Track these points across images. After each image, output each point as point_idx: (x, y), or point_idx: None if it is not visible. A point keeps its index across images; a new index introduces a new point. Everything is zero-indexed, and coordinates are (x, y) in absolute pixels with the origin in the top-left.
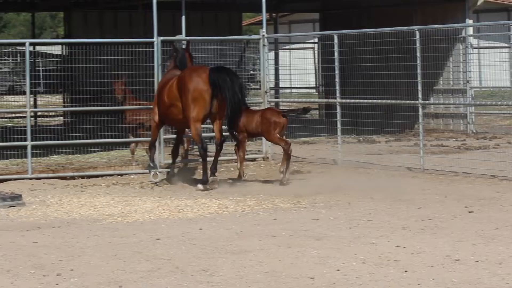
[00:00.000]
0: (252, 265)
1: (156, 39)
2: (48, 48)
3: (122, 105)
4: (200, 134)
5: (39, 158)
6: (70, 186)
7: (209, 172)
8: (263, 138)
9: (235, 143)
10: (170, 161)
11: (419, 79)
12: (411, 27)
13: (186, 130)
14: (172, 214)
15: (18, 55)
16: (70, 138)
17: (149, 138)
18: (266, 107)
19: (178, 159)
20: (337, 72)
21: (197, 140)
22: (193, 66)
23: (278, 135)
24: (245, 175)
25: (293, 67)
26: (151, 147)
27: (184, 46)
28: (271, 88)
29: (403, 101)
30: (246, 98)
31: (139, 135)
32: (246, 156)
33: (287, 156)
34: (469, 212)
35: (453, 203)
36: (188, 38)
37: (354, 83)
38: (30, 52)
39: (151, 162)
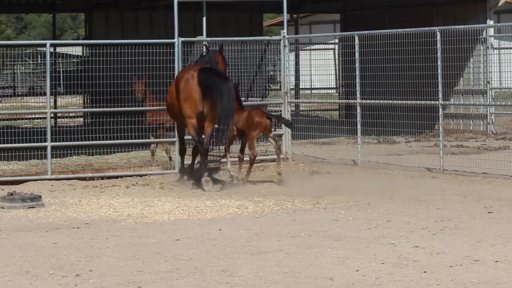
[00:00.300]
0: (271, 265)
1: (177, 40)
2: (68, 49)
3: (142, 105)
4: (195, 129)
5: (58, 159)
6: (90, 187)
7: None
8: (283, 138)
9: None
10: (190, 161)
11: (439, 79)
12: (432, 28)
13: None
14: (191, 214)
15: (39, 56)
16: (89, 139)
17: (170, 139)
18: (286, 107)
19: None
20: (357, 73)
21: (192, 135)
22: (188, 66)
23: (256, 135)
24: (231, 176)
25: (314, 68)
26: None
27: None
28: (291, 89)
29: (423, 102)
30: (240, 98)
31: (160, 135)
32: (266, 157)
33: (251, 162)
34: (489, 212)
35: (473, 204)
36: (209, 39)
37: (374, 83)
38: (51, 53)
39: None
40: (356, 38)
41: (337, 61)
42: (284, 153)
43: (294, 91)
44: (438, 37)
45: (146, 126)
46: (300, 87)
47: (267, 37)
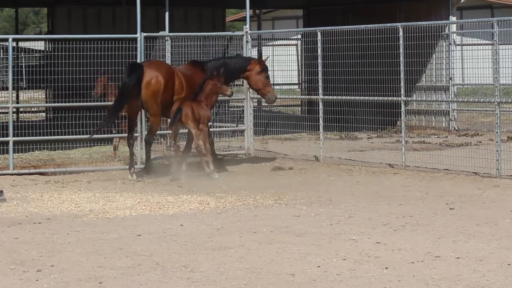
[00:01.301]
0: (233, 261)
1: (140, 35)
2: (31, 44)
3: (105, 101)
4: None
5: (20, 154)
6: (52, 182)
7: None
8: (245, 134)
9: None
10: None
11: (402, 75)
12: (395, 24)
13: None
14: (153, 210)
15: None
16: (52, 134)
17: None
18: (248, 103)
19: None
20: (319, 68)
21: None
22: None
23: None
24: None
25: (276, 64)
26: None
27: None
28: None
29: (385, 98)
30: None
31: (122, 130)
32: (228, 152)
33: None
34: (450, 209)
35: (434, 200)
36: (171, 34)
37: (337, 79)
38: (13, 48)
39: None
40: (319, 34)
41: (299, 56)
42: (247, 148)
43: None
44: (401, 33)
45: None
46: None
47: (229, 33)
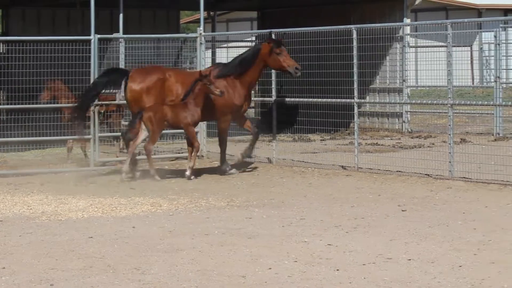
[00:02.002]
0: (184, 263)
1: (93, 37)
2: None
3: (57, 102)
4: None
5: None
6: (4, 184)
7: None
8: (198, 136)
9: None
10: (108, 159)
11: (355, 77)
12: (348, 26)
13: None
14: (105, 212)
15: None
16: (4, 136)
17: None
18: None
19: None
20: (273, 70)
21: None
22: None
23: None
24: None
25: None
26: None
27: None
28: None
29: (339, 100)
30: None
31: (76, 132)
32: (181, 154)
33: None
34: (402, 211)
35: (387, 202)
36: (125, 36)
37: (291, 81)
38: None
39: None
40: (273, 35)
41: None
42: (200, 150)
43: None
44: (354, 35)
45: (64, 123)
46: None
47: (183, 35)
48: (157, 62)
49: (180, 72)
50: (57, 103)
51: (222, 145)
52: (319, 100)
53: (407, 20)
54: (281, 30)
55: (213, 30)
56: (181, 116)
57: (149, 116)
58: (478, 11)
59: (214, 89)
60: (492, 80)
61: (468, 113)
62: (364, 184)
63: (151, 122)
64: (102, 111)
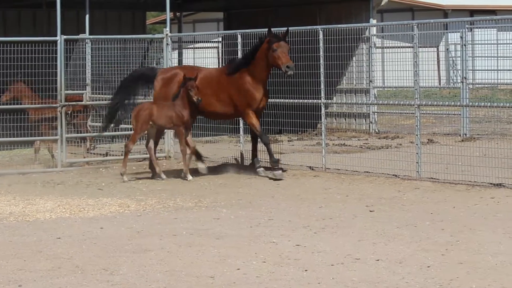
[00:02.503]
0: (153, 264)
1: (60, 38)
2: None
3: (20, 104)
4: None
5: None
6: None
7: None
8: (165, 137)
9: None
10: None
11: (322, 78)
12: (315, 27)
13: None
14: (73, 213)
15: None
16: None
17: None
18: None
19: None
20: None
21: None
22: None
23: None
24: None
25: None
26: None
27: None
28: None
29: (306, 100)
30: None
31: (43, 133)
32: (145, 156)
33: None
34: (370, 211)
35: (354, 202)
36: (91, 36)
37: None
38: None
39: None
40: (239, 36)
41: (220, 59)
42: (167, 151)
43: None
44: (321, 36)
45: (30, 124)
46: None
47: (149, 35)
48: (123, 62)
49: (206, 71)
50: (20, 104)
51: (263, 140)
52: (286, 100)
53: (373, 21)
54: (246, 30)
55: (180, 31)
56: (168, 116)
57: (135, 115)
58: (444, 12)
59: (194, 94)
60: (459, 81)
61: (435, 113)
62: (332, 185)
63: (136, 120)
64: (69, 112)
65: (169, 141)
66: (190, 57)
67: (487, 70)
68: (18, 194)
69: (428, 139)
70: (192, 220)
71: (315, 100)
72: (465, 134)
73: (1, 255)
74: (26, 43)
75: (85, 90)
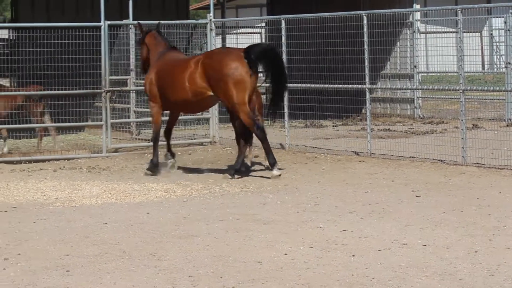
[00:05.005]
0: (200, 249)
1: (103, 23)
2: None
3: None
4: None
5: None
6: (17, 171)
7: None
8: (210, 122)
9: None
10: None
11: (366, 63)
12: (359, 12)
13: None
14: (119, 198)
15: None
16: (17, 122)
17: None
18: None
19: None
20: (284, 56)
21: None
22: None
23: None
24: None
25: None
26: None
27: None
28: None
29: (350, 86)
30: None
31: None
32: (193, 140)
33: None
34: (416, 196)
35: (400, 188)
36: (135, 22)
37: (302, 67)
38: None
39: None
40: (283, 21)
41: None
42: (212, 136)
43: None
44: (365, 21)
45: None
46: None
47: (193, 21)
48: None
49: None
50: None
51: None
52: (331, 86)
53: (416, 6)
54: (290, 16)
55: (223, 16)
56: None
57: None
58: None
59: None
60: (503, 66)
61: (479, 98)
62: (378, 170)
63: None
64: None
65: (214, 127)
66: (234, 43)
67: None
68: (63, 180)
69: (473, 124)
70: (238, 205)
71: (360, 86)
72: (510, 119)
73: (48, 241)
74: (69, 28)
75: (129, 75)
